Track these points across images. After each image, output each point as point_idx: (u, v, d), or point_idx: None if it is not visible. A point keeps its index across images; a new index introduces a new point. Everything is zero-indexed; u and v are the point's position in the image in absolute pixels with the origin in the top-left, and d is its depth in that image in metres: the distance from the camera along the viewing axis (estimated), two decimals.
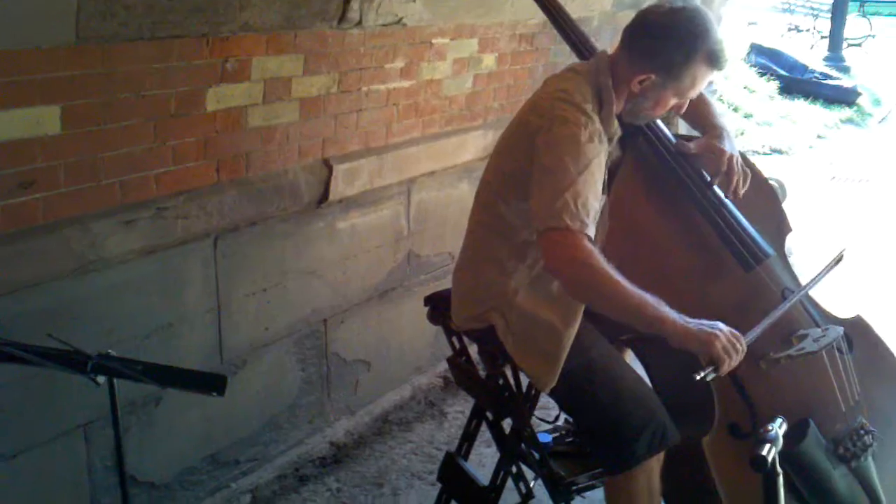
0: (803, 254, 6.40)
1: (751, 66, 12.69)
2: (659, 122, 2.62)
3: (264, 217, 3.07)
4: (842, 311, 2.88)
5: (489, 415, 2.93)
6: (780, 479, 1.78)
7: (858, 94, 12.64)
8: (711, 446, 2.44)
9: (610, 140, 2.43)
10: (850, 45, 17.41)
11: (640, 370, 2.71)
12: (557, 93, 2.37)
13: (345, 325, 3.53)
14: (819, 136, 10.90)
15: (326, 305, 3.43)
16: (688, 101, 2.46)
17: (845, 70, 14.64)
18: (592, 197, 2.23)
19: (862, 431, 2.53)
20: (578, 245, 2.18)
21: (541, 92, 2.49)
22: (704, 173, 2.59)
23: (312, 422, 3.45)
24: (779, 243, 2.76)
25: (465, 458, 2.98)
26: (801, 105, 11.82)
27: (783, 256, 2.78)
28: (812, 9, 19.89)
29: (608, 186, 2.53)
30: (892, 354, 2.80)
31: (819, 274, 2.60)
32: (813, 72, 13.03)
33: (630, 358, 2.92)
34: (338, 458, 3.46)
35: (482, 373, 2.86)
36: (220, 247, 2.94)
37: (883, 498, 2.53)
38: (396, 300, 3.78)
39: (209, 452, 3.06)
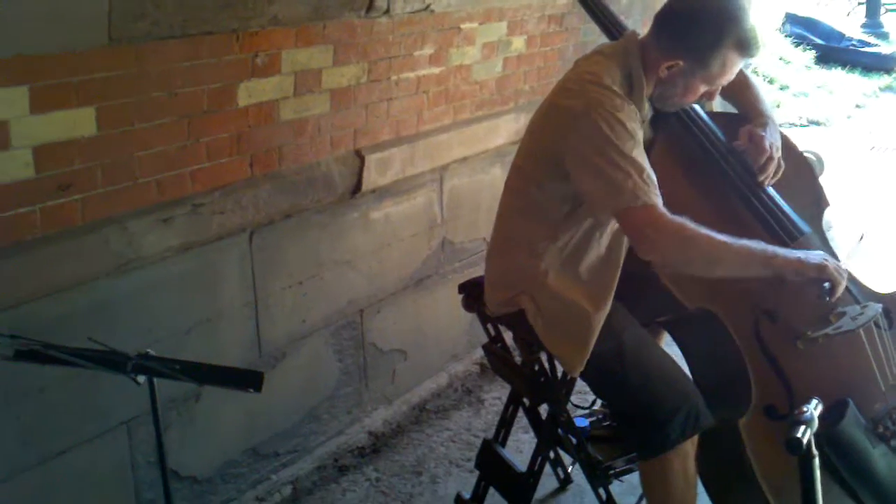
0: (847, 224, 6.34)
1: (786, 35, 12.48)
2: None
3: (298, 209, 3.09)
4: (882, 285, 2.86)
5: (525, 401, 2.95)
6: (817, 462, 1.77)
7: None
8: (748, 428, 2.42)
9: (642, 122, 2.42)
10: (888, 11, 17.06)
11: (677, 354, 2.72)
12: (587, 75, 2.37)
13: (381, 314, 3.55)
14: (857, 106, 10.71)
15: (362, 296, 3.45)
16: (719, 88, 2.43)
17: (884, 36, 14.34)
18: (651, 170, 2.26)
19: None
20: (665, 218, 2.22)
21: (570, 74, 2.48)
22: (738, 152, 2.57)
23: (351, 412, 3.48)
24: (816, 219, 2.74)
25: (503, 444, 3.00)
26: (838, 74, 11.62)
27: (821, 232, 2.75)
28: None
29: None
30: None
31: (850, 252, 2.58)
32: (850, 39, 12.78)
33: (668, 342, 2.93)
34: (376, 447, 3.49)
35: (518, 359, 2.87)
36: (256, 241, 2.96)
37: None
38: (432, 288, 3.79)
39: (250, 446, 3.10)
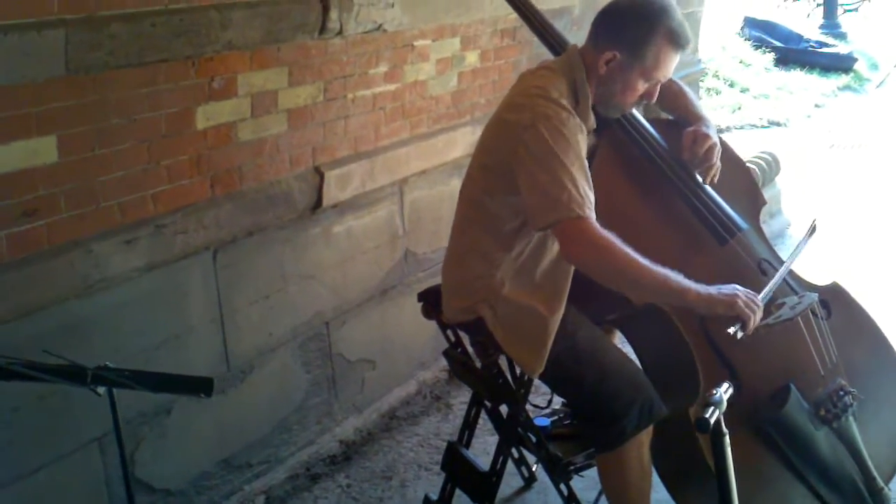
0: (806, 222, 6.48)
1: (745, 39, 12.70)
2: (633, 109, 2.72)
3: (261, 227, 3.18)
4: (830, 277, 2.99)
5: (487, 403, 3.05)
6: (727, 440, 1.88)
7: (855, 60, 12.65)
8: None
9: (587, 133, 2.53)
10: (846, 11, 17.38)
11: (629, 350, 2.83)
12: (534, 89, 2.47)
13: (347, 325, 3.64)
14: (817, 105, 10.92)
15: (328, 308, 3.54)
16: (657, 87, 2.54)
17: (842, 37, 14.63)
18: (588, 185, 2.36)
19: (841, 393, 2.63)
20: (594, 231, 2.31)
21: (517, 89, 2.59)
22: (678, 155, 2.69)
23: (321, 422, 3.57)
24: (753, 217, 2.86)
25: (467, 446, 3.09)
26: (797, 75, 11.83)
27: (759, 230, 2.87)
28: None
29: None
30: (869, 317, 2.90)
31: (798, 246, 2.70)
32: (808, 41, 13.03)
33: (621, 340, 3.04)
34: (347, 455, 3.58)
35: (478, 363, 2.97)
36: (220, 258, 3.05)
37: (866, 455, 2.63)
38: (397, 298, 3.88)
39: (222, 457, 3.18)
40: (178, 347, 2.95)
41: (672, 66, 2.50)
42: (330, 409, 3.62)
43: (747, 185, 2.95)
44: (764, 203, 2.94)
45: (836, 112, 10.81)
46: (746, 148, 7.34)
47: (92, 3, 2.46)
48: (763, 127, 9.86)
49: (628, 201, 2.69)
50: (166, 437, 2.94)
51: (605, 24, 2.48)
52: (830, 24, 14.98)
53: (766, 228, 6.05)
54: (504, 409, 2.92)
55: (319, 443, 3.55)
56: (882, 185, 7.51)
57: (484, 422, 3.17)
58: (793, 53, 12.43)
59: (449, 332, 2.96)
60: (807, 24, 15.40)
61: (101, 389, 1.78)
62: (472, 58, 4.18)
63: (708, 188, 2.68)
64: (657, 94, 2.55)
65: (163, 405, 2.92)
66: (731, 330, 2.33)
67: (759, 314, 2.37)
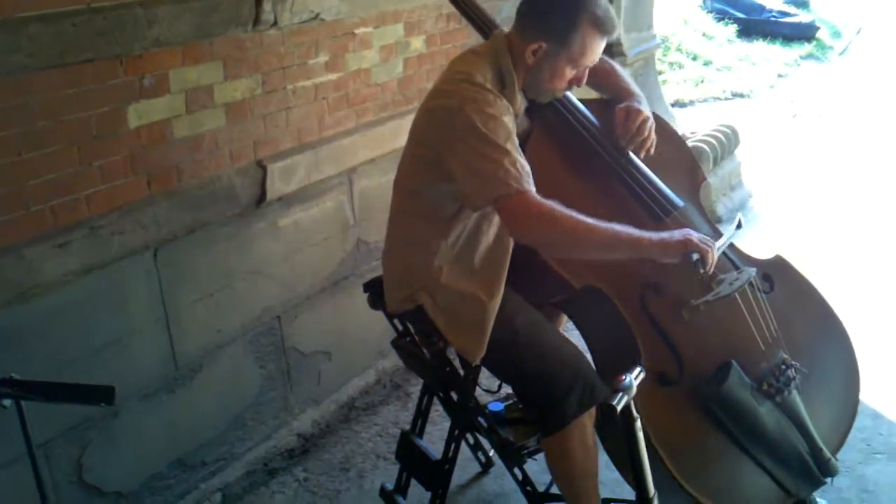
0: (768, 193, 6.52)
1: (708, 12, 12.73)
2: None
3: (202, 224, 3.15)
4: (787, 247, 2.99)
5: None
6: (638, 424, 1.88)
7: (817, 29, 12.70)
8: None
9: (516, 116, 2.52)
10: None
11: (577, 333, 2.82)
12: (457, 75, 2.46)
13: (299, 319, 3.62)
14: (780, 76, 10.96)
15: (277, 302, 3.51)
16: (585, 72, 2.53)
17: (804, 5, 14.65)
18: (524, 160, 2.35)
19: (784, 366, 2.63)
20: (536, 202, 2.30)
21: (444, 76, 2.58)
22: (611, 134, 2.68)
23: (278, 416, 3.55)
24: (692, 193, 2.85)
25: (420, 435, 3.09)
26: (760, 46, 11.87)
27: (698, 206, 2.86)
28: None
29: None
30: (813, 289, 2.90)
31: (732, 229, 2.70)
32: (770, 11, 13.05)
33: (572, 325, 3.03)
34: (305, 448, 3.56)
35: (426, 352, 2.95)
36: (161, 257, 3.02)
37: (812, 427, 2.64)
38: (350, 289, 3.86)
39: (175, 457, 3.16)
40: (121, 350, 2.91)
41: (599, 51, 2.49)
42: (286, 403, 3.60)
43: (685, 162, 2.94)
44: (703, 179, 2.93)
45: (799, 81, 10.86)
46: (709, 121, 7.37)
47: (7, 5, 2.41)
48: (726, 99, 9.90)
49: (564, 183, 2.68)
50: (115, 439, 2.92)
51: (530, 14, 2.46)
52: None
53: (726, 200, 6.16)
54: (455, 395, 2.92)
55: (276, 437, 3.53)
56: (843, 153, 7.56)
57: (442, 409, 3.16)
58: (755, 24, 12.47)
59: (396, 321, 2.95)
60: None
61: (7, 402, 1.75)
62: (417, 43, 4.15)
63: (642, 166, 2.67)
64: (585, 78, 2.54)
65: (109, 408, 2.88)
66: (695, 257, 2.34)
67: (716, 253, 2.39)
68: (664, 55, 10.60)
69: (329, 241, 3.76)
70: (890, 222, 5.79)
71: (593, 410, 2.56)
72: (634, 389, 1.89)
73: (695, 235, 2.37)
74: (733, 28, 12.22)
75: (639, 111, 2.63)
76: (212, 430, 3.30)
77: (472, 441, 3.31)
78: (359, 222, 3.91)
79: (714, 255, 2.39)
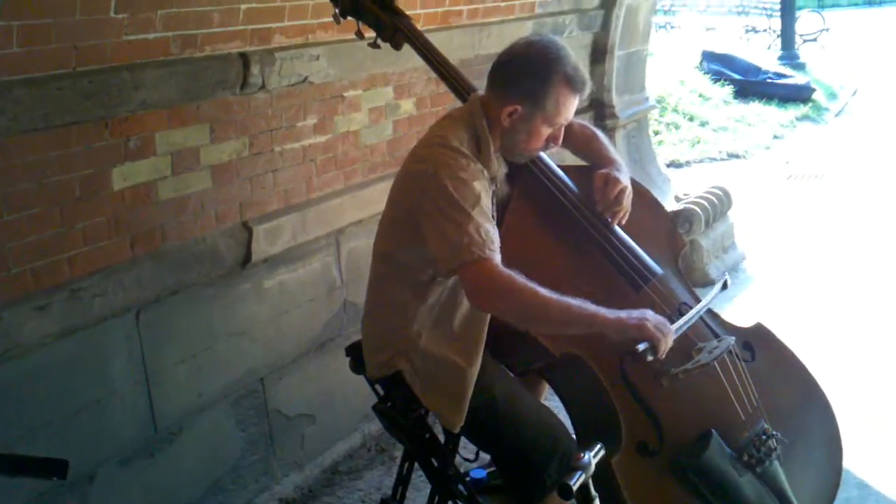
0: (762, 255, 6.52)
1: (704, 73, 12.88)
2: (544, 155, 2.72)
3: (186, 285, 3.15)
4: (778, 309, 2.96)
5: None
6: (597, 503, 1.85)
7: (812, 91, 12.82)
8: (621, 466, 2.50)
9: (493, 180, 2.53)
10: (805, 42, 17.68)
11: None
12: (434, 139, 2.50)
13: (283, 381, 3.60)
14: (776, 136, 11.03)
15: (261, 364, 3.50)
16: (561, 131, 2.56)
17: (800, 67, 14.85)
18: (491, 227, 2.36)
19: (765, 436, 2.60)
20: (496, 271, 2.29)
21: (421, 140, 2.61)
22: (590, 201, 2.69)
23: (259, 480, 3.50)
24: (671, 261, 2.84)
25: (401, 501, 3.04)
26: (756, 107, 11.97)
27: (678, 273, 2.85)
28: (765, 9, 20.20)
29: (499, 222, 2.63)
30: (795, 357, 2.88)
31: (709, 299, 2.68)
32: (766, 72, 13.21)
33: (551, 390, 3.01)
34: None
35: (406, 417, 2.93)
36: (143, 319, 3.01)
37: (793, 499, 2.60)
38: (336, 350, 3.81)
39: None
40: (99, 412, 2.90)
41: (573, 109, 2.52)
42: (268, 467, 3.56)
43: (665, 229, 2.94)
44: (683, 245, 2.93)
45: (795, 142, 10.93)
46: (704, 181, 7.40)
47: None
48: (722, 160, 9.95)
49: (543, 248, 2.68)
50: None
51: (503, 77, 2.49)
52: (789, 55, 15.21)
53: (719, 262, 6.15)
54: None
55: (258, 502, 3.48)
56: (838, 215, 7.56)
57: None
58: (751, 85, 12.60)
59: (377, 386, 2.92)
60: (766, 55, 15.64)
61: None
62: (407, 106, 4.19)
63: (621, 234, 2.67)
64: (562, 137, 2.56)
65: (84, 472, 2.86)
66: (641, 347, 2.31)
67: (671, 339, 2.35)
68: (661, 115, 10.69)
69: (315, 302, 3.76)
70: (883, 287, 5.76)
71: None
72: (592, 468, 1.86)
73: (651, 320, 2.32)
74: (729, 89, 12.35)
75: (617, 180, 2.64)
76: (189, 495, 3.25)
77: None
78: (346, 283, 3.90)
79: (668, 342, 2.34)
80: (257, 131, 3.37)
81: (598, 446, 1.89)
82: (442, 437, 2.75)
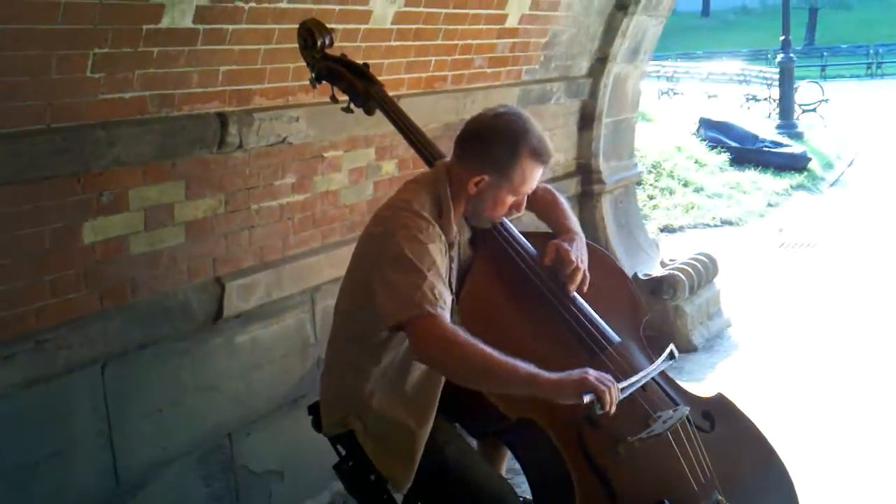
0: (748, 322, 6.53)
1: (701, 140, 13.01)
2: (507, 221, 2.77)
3: (156, 339, 3.18)
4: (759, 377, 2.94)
5: None
6: None
7: (808, 160, 12.93)
8: None
9: (451, 245, 2.58)
10: (804, 111, 17.86)
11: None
12: (398, 202, 2.56)
13: (252, 436, 3.60)
14: (770, 205, 11.11)
15: (231, 419, 3.51)
16: (524, 198, 2.62)
17: (798, 136, 15.00)
18: (444, 288, 2.40)
19: None
20: (444, 327, 2.34)
21: (385, 203, 2.66)
22: (551, 269, 2.73)
23: None
24: (633, 329, 2.87)
25: None
26: (751, 175, 12.07)
27: (639, 341, 2.87)
28: (765, 78, 20.44)
29: (459, 286, 2.67)
30: (754, 428, 2.88)
31: (655, 366, 2.68)
32: (763, 141, 13.35)
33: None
34: None
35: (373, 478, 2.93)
36: (109, 372, 3.03)
37: None
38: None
39: None
40: (60, 464, 2.90)
41: (537, 179, 2.60)
42: None
43: (627, 297, 2.97)
44: (645, 314, 2.96)
45: (789, 211, 11.00)
46: (696, 247, 7.44)
47: None
48: (715, 226, 10.01)
49: (503, 312, 2.71)
50: None
51: (471, 147, 2.56)
52: (787, 125, 15.39)
53: (703, 329, 6.16)
54: None
55: None
56: (829, 284, 7.58)
57: None
58: (748, 153, 12.72)
59: (339, 446, 2.93)
60: (764, 124, 15.81)
61: None
62: (388, 167, 4.26)
63: (580, 301, 2.70)
64: (525, 204, 2.62)
65: None
66: (587, 398, 2.29)
67: (615, 391, 2.34)
68: (656, 181, 10.79)
69: (288, 358, 3.78)
70: (868, 358, 5.76)
71: None
72: None
73: (592, 375, 2.32)
74: (726, 156, 12.47)
75: (567, 251, 2.68)
76: None
77: None
78: (320, 341, 3.92)
79: (614, 393, 2.34)
80: (234, 189, 3.42)
81: None
82: (400, 499, 2.75)
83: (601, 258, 2.87)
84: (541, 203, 2.84)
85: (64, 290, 2.88)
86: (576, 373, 2.34)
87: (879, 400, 5.04)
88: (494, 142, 2.53)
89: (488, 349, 2.30)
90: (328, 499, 3.95)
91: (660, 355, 2.74)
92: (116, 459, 3.09)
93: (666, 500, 2.55)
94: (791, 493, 2.86)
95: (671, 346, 2.70)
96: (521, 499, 2.81)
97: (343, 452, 2.93)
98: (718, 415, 2.85)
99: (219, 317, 3.40)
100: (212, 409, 3.43)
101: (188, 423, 3.34)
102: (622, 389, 2.39)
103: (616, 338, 2.69)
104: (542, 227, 2.98)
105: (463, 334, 2.32)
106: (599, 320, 2.69)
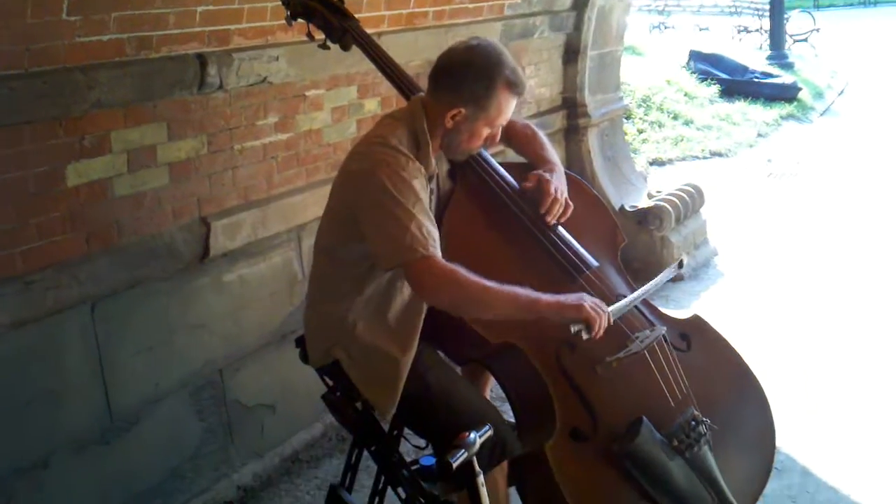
0: (734, 251, 6.60)
1: (691, 72, 12.95)
2: (485, 152, 2.81)
3: (142, 279, 3.23)
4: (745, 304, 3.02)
5: None
6: (480, 479, 1.92)
7: (799, 90, 12.89)
8: (554, 451, 2.58)
9: (432, 177, 2.62)
10: (795, 42, 17.74)
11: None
12: (374, 138, 2.58)
13: (242, 372, 3.68)
14: (760, 135, 11.12)
15: (220, 356, 3.58)
16: (499, 130, 2.65)
17: (789, 67, 14.92)
18: (431, 225, 2.45)
19: (694, 423, 2.69)
20: (440, 267, 2.40)
21: (362, 139, 2.69)
22: (529, 197, 2.78)
23: (218, 468, 3.58)
24: (611, 254, 2.93)
25: (350, 488, 3.12)
26: (741, 106, 12.04)
27: (617, 266, 2.94)
28: (756, 9, 20.26)
29: (440, 217, 2.72)
30: (730, 348, 2.97)
31: (660, 278, 2.77)
32: (754, 72, 13.28)
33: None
34: (244, 500, 3.60)
35: (359, 405, 3.01)
36: (98, 312, 3.09)
37: (722, 483, 2.68)
38: None
39: None
40: (52, 402, 2.97)
41: (511, 110, 2.62)
42: (227, 456, 3.64)
43: (605, 224, 3.03)
44: (623, 241, 3.01)
45: (779, 141, 11.01)
46: (685, 179, 7.48)
47: None
48: (705, 158, 10.03)
49: (484, 241, 2.76)
50: (43, 490, 2.96)
51: (445, 81, 2.58)
52: (777, 55, 15.29)
53: (690, 259, 6.23)
54: None
55: (215, 489, 3.56)
56: (816, 213, 7.65)
57: None
58: (738, 85, 12.68)
59: (325, 376, 3.01)
60: (755, 55, 15.71)
61: None
62: (371, 105, 4.27)
63: (559, 228, 2.75)
64: (499, 136, 2.66)
65: (40, 457, 2.94)
66: (574, 328, 2.43)
67: (605, 319, 2.47)
68: (646, 114, 10.77)
69: (276, 295, 3.84)
70: (851, 285, 5.84)
71: (505, 465, 2.62)
72: (477, 447, 1.94)
73: (587, 300, 2.46)
74: (716, 88, 12.43)
75: (548, 181, 2.73)
76: (147, 482, 3.33)
77: (403, 496, 3.34)
78: (308, 277, 3.97)
79: (604, 321, 2.46)
80: (216, 130, 3.45)
81: (487, 427, 1.97)
82: (387, 425, 2.84)
83: (578, 186, 2.92)
84: (521, 138, 2.88)
85: (50, 233, 2.93)
86: (573, 296, 2.45)
87: (859, 325, 5.13)
88: (469, 75, 2.54)
89: (485, 281, 2.39)
90: (321, 431, 4.05)
91: (643, 285, 2.82)
92: (109, 396, 3.16)
93: (644, 417, 2.64)
94: (766, 410, 2.95)
95: (680, 259, 2.82)
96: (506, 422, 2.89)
97: (330, 383, 3.02)
98: (695, 335, 2.93)
99: (205, 256, 3.45)
100: (201, 346, 3.50)
101: (179, 361, 3.41)
102: (615, 312, 2.48)
103: (594, 262, 2.75)
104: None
105: (459, 270, 2.39)
106: (577, 245, 2.75)
